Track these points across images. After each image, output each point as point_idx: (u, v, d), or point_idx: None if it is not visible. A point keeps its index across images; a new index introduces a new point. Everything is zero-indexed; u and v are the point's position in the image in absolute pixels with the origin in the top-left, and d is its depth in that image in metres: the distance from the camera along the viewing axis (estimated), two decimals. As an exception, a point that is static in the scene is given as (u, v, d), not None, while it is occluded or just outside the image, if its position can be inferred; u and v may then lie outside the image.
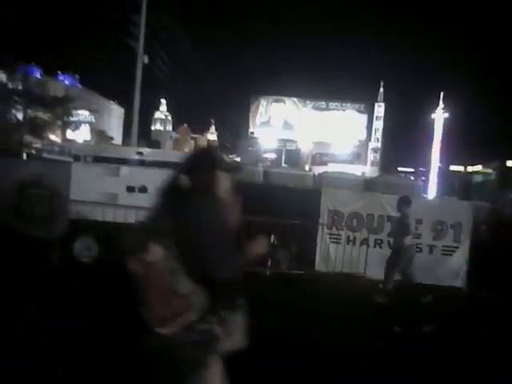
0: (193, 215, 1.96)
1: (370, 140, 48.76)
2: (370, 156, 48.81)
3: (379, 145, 49.25)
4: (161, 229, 1.95)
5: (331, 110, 48.63)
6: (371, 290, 6.62)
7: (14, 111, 29.45)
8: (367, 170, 42.58)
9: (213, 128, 69.70)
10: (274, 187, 10.11)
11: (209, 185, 2.10)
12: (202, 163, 2.16)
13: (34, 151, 26.69)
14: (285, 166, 39.16)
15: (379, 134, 49.35)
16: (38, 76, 37.66)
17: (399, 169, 49.48)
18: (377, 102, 49.54)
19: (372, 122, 48.88)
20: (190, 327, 1.90)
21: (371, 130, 48.94)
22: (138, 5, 18.91)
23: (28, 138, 28.46)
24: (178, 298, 1.87)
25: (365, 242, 7.98)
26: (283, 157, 46.22)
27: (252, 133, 48.95)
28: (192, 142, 69.60)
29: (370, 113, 48.82)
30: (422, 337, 5.06)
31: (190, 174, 2.08)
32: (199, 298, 1.91)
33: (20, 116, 29.65)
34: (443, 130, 47.52)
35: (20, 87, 29.53)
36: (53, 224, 7.25)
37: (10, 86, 29.50)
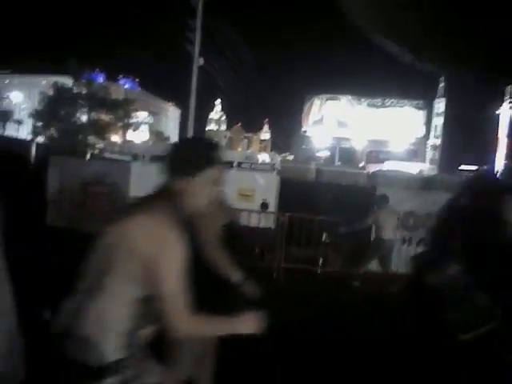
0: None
1: (428, 137, 46.87)
2: (429, 154, 46.88)
3: (439, 142, 47.16)
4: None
5: (387, 106, 47.24)
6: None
7: (78, 114, 31.31)
8: (425, 168, 40.92)
9: (266, 127, 70.07)
10: (327, 185, 10.01)
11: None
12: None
13: (97, 151, 28.20)
14: (338, 164, 38.57)
15: (439, 131, 47.27)
16: (101, 80, 39.73)
17: (461, 167, 47.13)
18: (436, 97, 47.47)
19: (431, 118, 46.92)
20: None
21: (430, 127, 47.00)
22: (193, 9, 19.42)
23: (92, 139, 30.10)
24: None
25: (422, 242, 7.70)
26: (337, 155, 45.54)
27: (305, 131, 48.64)
28: (245, 141, 70.33)
29: (429, 109, 46.89)
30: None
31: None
32: None
33: (84, 118, 31.47)
34: (509, 126, 44.59)
35: (84, 91, 31.34)
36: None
37: (75, 90, 31.39)
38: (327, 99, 48.55)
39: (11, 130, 42.34)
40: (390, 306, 5.77)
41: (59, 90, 31.24)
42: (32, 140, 25.53)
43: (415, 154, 45.95)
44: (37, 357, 2.37)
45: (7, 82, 49.41)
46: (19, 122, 42.74)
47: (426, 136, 46.73)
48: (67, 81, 32.33)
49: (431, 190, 10.06)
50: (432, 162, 45.90)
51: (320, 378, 3.66)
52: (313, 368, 3.79)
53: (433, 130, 47.22)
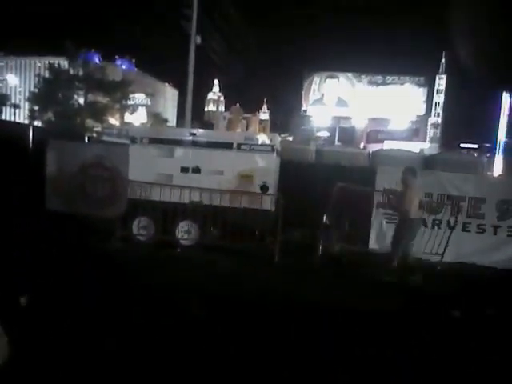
0: None
1: (429, 115, 46.48)
2: (430, 132, 46.63)
3: (440, 120, 46.82)
4: None
5: (388, 84, 46.69)
6: (423, 271, 6.40)
7: (75, 97, 30.95)
8: (426, 146, 40.71)
9: (265, 107, 69.38)
10: (327, 166, 9.92)
11: None
12: None
13: (94, 134, 28.01)
14: (338, 144, 38.35)
15: (440, 109, 46.91)
16: (97, 61, 39.16)
17: (462, 145, 46.84)
18: (438, 74, 46.89)
19: (432, 95, 46.44)
20: None
21: (431, 105, 46.57)
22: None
23: (89, 122, 29.84)
24: None
25: (422, 222, 7.67)
26: (337, 135, 45.26)
27: (305, 111, 48.19)
28: (244, 121, 69.84)
29: (430, 86, 46.36)
30: (484, 320, 4.83)
31: None
32: None
33: (81, 101, 31.12)
34: (510, 104, 44.12)
35: (81, 73, 30.91)
36: (114, 204, 7.59)
37: (72, 72, 30.95)
38: (327, 77, 47.95)
39: (8, 114, 41.96)
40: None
41: (55, 71, 30.81)
42: (29, 124, 25.33)
43: (416, 132, 45.67)
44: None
45: (2, 64, 48.75)
46: (16, 106, 42.33)
47: (427, 114, 46.33)
48: (63, 62, 31.86)
49: (433, 169, 9.97)
50: (433, 140, 45.67)
51: (320, 350, 3.67)
52: (314, 343, 3.79)
53: (434, 107, 46.80)
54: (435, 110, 47.01)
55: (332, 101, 47.50)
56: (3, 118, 38.66)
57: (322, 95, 47.89)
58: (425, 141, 44.93)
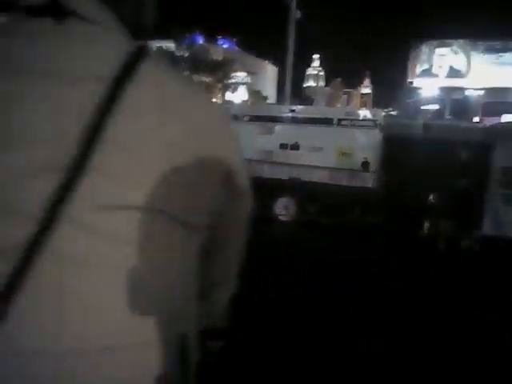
0: None
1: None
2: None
3: None
4: None
5: (509, 50, 41.59)
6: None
7: (182, 77, 32.61)
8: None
9: (367, 81, 66.62)
10: (435, 142, 9.21)
11: None
12: None
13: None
14: (449, 118, 35.42)
15: None
16: (201, 42, 40.66)
17: None
18: None
19: None
20: None
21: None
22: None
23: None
24: None
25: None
26: (447, 108, 41.73)
27: (411, 83, 45.10)
28: (345, 96, 67.95)
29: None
30: None
31: None
32: None
33: (187, 81, 32.68)
34: None
35: (186, 54, 32.38)
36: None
37: (177, 53, 32.58)
38: (437, 45, 44.16)
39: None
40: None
41: (163, 53, 32.70)
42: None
43: (542, 103, 40.27)
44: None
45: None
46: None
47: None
48: (169, 45, 33.66)
49: None
50: None
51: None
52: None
53: None
54: None
55: (442, 71, 43.71)
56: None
57: (431, 65, 44.32)
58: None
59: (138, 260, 0.55)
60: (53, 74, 0.56)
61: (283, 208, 7.72)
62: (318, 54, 68.46)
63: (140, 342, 0.56)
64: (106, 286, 0.54)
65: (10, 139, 0.54)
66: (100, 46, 0.59)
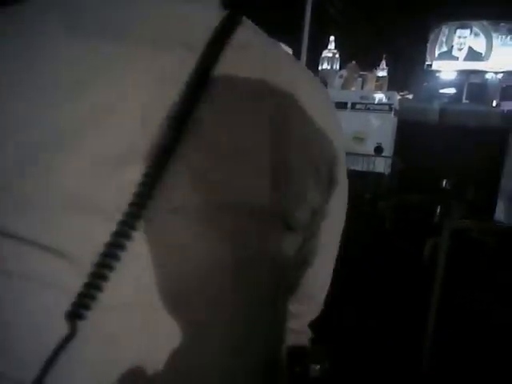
0: None
1: None
2: None
3: None
4: None
5: (532, 31, 40.32)
6: None
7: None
8: None
9: (383, 63, 65.41)
10: (450, 127, 9.05)
11: None
12: None
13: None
14: (466, 102, 34.66)
15: None
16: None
17: None
18: None
19: None
20: None
21: None
22: None
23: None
24: None
25: None
26: (465, 91, 40.81)
27: (429, 65, 44.16)
28: (360, 79, 67.01)
29: None
30: None
31: None
32: None
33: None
34: None
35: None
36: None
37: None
38: (457, 27, 42.97)
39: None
40: None
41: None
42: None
43: None
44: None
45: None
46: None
47: None
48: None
49: None
50: None
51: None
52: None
53: None
54: None
55: (462, 53, 42.56)
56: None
57: (451, 47, 43.19)
58: None
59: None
60: (144, 38, 0.47)
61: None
62: (334, 35, 67.45)
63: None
64: None
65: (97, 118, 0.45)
66: (188, 7, 0.51)
